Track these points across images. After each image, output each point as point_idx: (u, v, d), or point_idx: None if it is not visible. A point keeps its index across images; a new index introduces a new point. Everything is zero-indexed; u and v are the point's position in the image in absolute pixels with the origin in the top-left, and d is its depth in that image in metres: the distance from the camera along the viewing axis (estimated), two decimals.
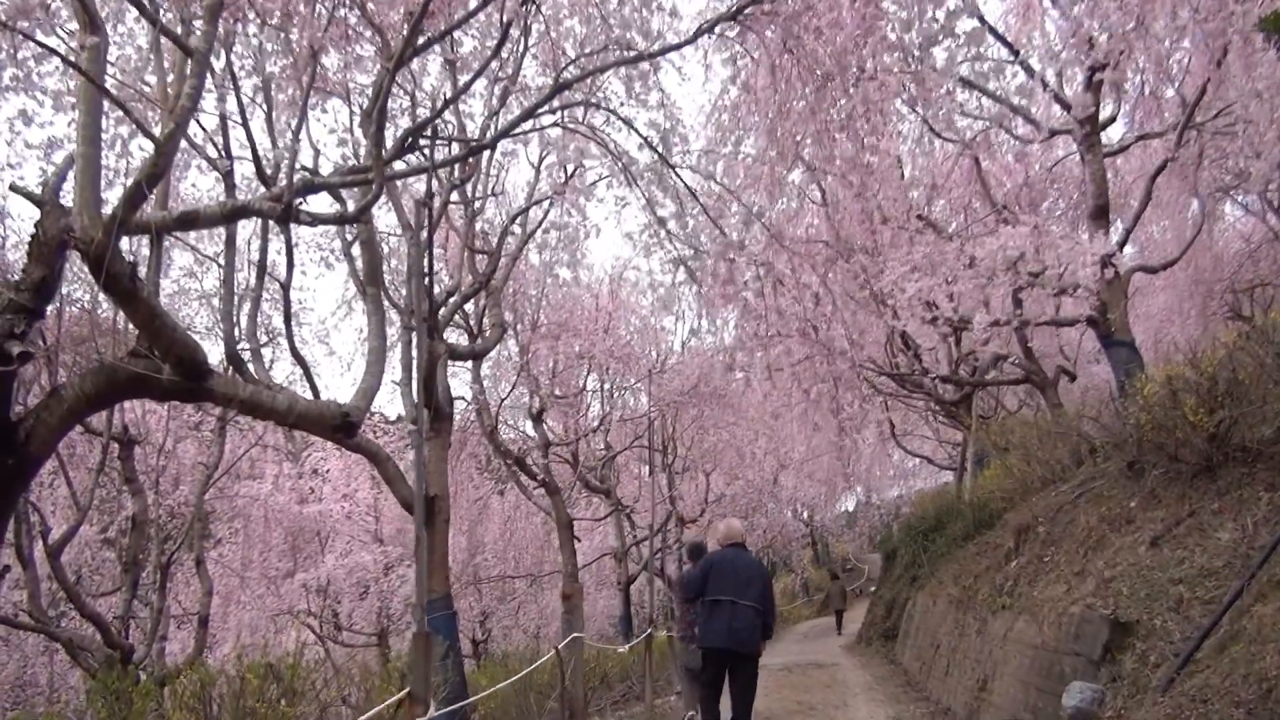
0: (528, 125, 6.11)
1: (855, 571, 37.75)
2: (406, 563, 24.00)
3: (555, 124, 6.23)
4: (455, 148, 7.79)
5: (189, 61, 4.11)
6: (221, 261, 8.71)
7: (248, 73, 8.23)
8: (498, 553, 25.95)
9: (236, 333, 7.75)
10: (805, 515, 38.48)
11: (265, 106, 7.83)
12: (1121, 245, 11.82)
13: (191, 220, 4.65)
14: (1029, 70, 11.66)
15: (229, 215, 4.78)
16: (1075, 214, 15.13)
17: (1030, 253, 10.25)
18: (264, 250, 8.03)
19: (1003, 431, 17.80)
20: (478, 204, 10.15)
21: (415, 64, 9.40)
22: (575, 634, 8.58)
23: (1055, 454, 12.58)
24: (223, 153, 7.86)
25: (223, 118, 7.64)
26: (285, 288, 8.35)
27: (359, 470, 25.24)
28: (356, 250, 8.33)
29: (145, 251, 5.59)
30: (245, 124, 6.77)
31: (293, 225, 8.11)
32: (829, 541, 52.57)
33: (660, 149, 5.57)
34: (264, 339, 13.68)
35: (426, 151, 6.28)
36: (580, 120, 6.28)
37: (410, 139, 5.76)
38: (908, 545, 20.39)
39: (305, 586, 22.68)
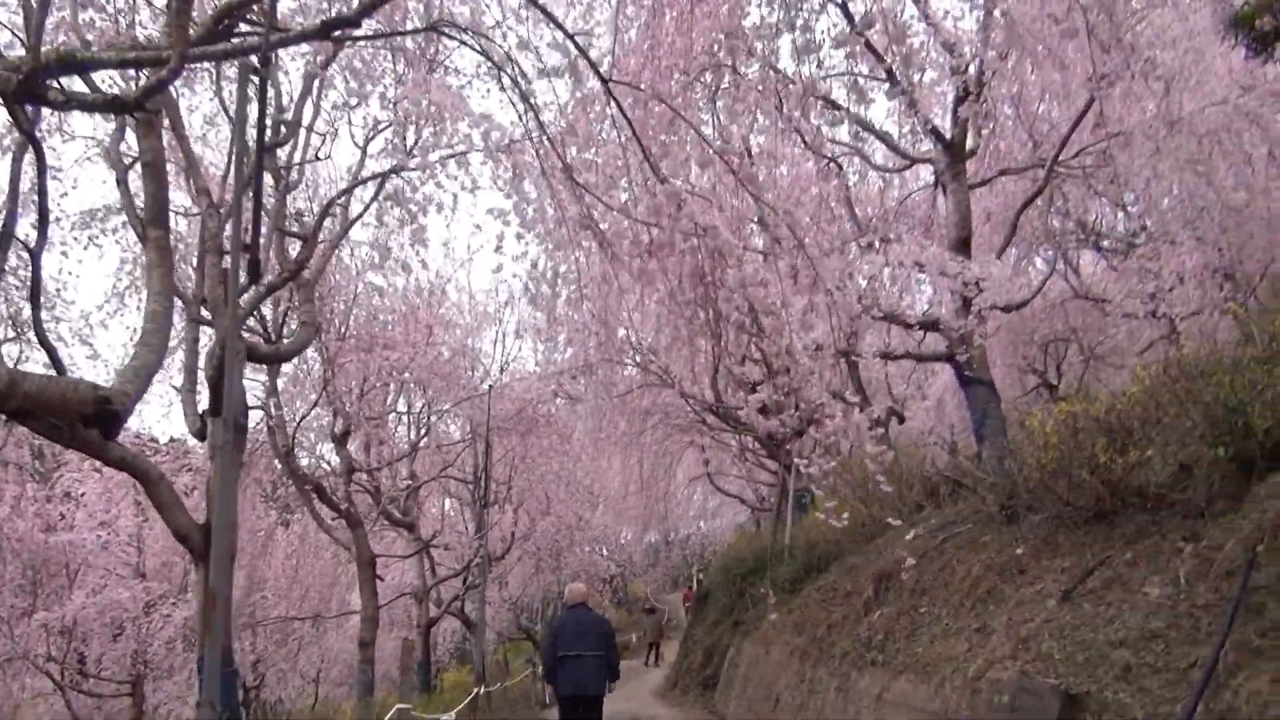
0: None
1: (658, 612, 36.96)
2: (172, 600, 21.16)
3: (431, 26, 4.73)
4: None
5: None
6: None
7: None
8: (280, 591, 23.35)
9: None
10: (611, 553, 37.44)
11: None
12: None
13: None
14: (899, 86, 11.11)
15: None
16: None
17: (904, 275, 9.60)
18: (12, 208, 6.16)
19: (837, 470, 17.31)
20: (293, 174, 8.44)
21: None
22: (400, 705, 6.98)
23: (905, 495, 12.01)
24: None
25: None
26: (34, 254, 6.44)
27: (121, 494, 22.18)
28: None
29: None
30: None
31: (50, 190, 6.30)
32: (627, 581, 51.81)
33: (580, 57, 4.24)
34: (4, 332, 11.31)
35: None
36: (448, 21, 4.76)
37: (226, 19, 4.17)
38: (724, 588, 19.67)
39: (46, 627, 19.53)
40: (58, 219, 10.77)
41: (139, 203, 6.45)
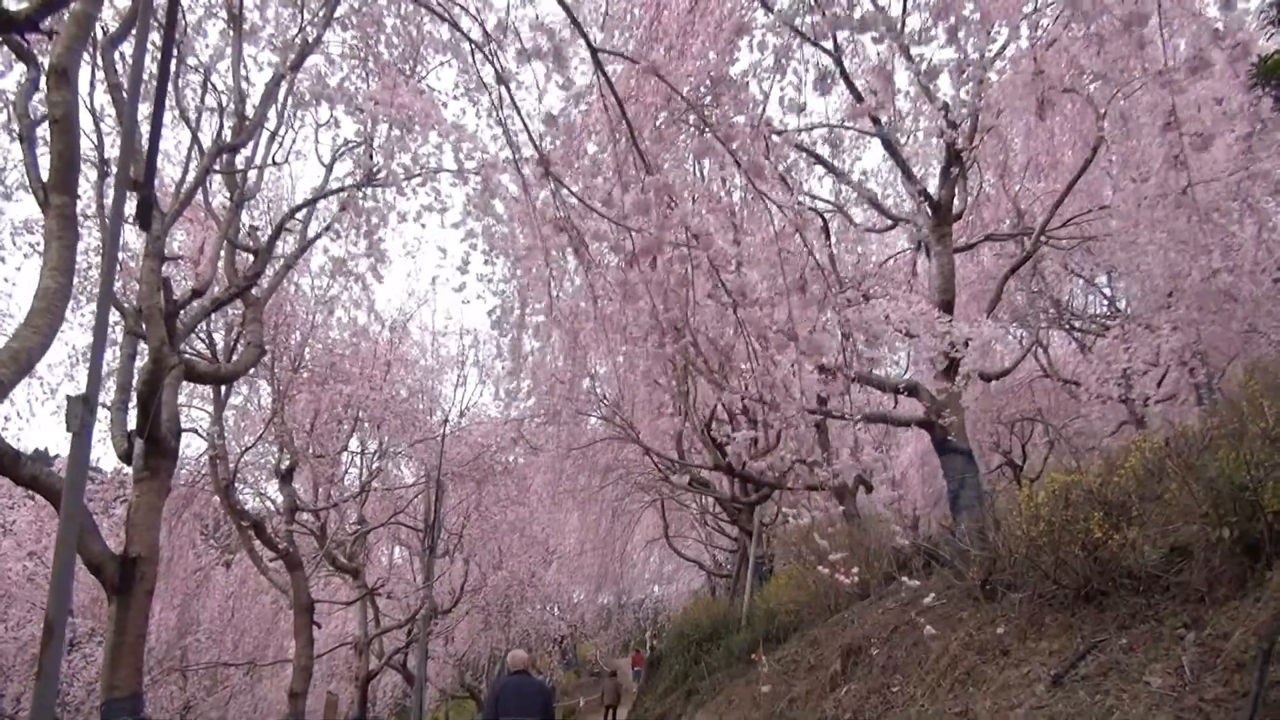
0: None
1: (617, 674, 35.88)
2: (97, 639, 20.08)
3: None
4: None
5: None
6: None
7: None
8: (214, 634, 22.22)
9: None
10: (564, 613, 36.40)
11: None
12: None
13: None
14: (889, 146, 10.84)
15: None
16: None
17: (886, 332, 9.24)
18: None
19: (800, 539, 16.83)
20: (249, 182, 7.86)
21: None
22: None
23: (872, 566, 11.49)
24: None
25: None
26: None
27: (55, 524, 21.07)
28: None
29: None
30: None
31: None
32: (577, 642, 50.45)
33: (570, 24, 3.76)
34: None
35: None
36: None
37: None
38: (679, 655, 18.95)
39: None
40: None
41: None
